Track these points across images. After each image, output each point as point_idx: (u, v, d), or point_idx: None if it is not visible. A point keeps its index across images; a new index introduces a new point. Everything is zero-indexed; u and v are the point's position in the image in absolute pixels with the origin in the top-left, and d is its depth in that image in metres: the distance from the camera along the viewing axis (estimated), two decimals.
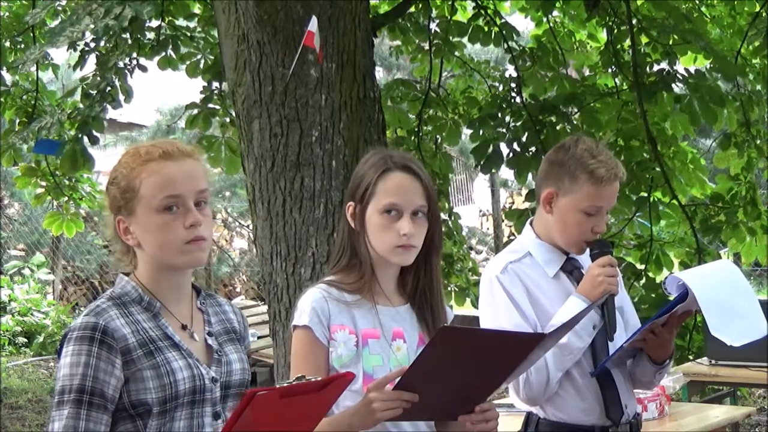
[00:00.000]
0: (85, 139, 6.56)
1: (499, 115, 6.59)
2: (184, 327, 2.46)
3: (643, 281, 6.51)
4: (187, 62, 7.05)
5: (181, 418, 2.38)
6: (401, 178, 2.75)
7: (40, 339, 12.22)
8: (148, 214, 2.39)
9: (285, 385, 2.23)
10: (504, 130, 6.50)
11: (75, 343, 2.33)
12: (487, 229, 16.38)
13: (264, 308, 8.85)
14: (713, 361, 5.80)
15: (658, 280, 6.44)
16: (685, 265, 6.57)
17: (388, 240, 2.73)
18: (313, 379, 2.28)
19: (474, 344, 2.57)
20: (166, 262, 2.42)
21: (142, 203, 2.39)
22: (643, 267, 6.57)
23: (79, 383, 2.31)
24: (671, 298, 3.22)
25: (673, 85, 6.35)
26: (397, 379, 2.56)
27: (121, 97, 6.55)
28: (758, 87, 7.07)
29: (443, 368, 2.54)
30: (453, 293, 7.07)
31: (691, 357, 6.34)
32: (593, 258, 3.24)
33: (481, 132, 6.51)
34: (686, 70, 6.58)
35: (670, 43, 6.36)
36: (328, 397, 2.35)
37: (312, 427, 2.39)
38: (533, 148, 6.38)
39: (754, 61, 6.99)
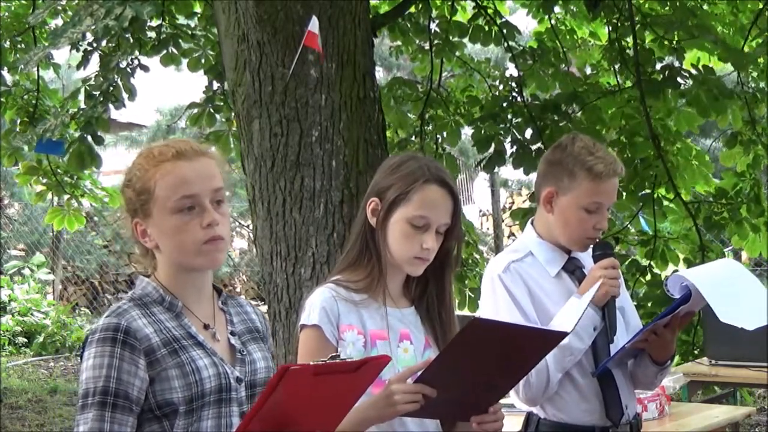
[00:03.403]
0: (90, 139, 6.58)
1: (501, 114, 6.59)
2: (206, 327, 2.43)
3: (648, 277, 6.52)
4: (189, 58, 7.07)
5: (209, 417, 2.35)
6: (438, 192, 2.74)
7: (40, 339, 12.22)
8: (164, 216, 2.36)
9: (319, 362, 2.17)
10: (507, 126, 6.50)
11: (97, 344, 2.30)
12: (487, 229, 16.37)
13: (264, 308, 8.85)
14: (713, 361, 5.80)
15: (663, 276, 6.44)
16: (689, 262, 6.58)
17: (409, 250, 2.73)
18: (348, 359, 2.24)
19: (501, 339, 2.56)
20: (184, 263, 2.38)
21: (157, 205, 2.36)
22: (648, 263, 6.57)
23: (103, 385, 2.27)
24: (674, 298, 3.22)
25: (679, 80, 6.35)
26: (418, 373, 2.55)
27: (125, 96, 6.56)
28: (762, 84, 7.07)
29: (466, 363, 2.53)
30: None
31: (696, 352, 6.35)
32: (595, 260, 3.24)
33: (483, 131, 6.52)
34: (693, 65, 6.58)
35: (677, 39, 6.36)
36: (362, 379, 2.29)
37: (345, 411, 2.34)
38: (536, 146, 6.39)
39: (759, 59, 6.98)
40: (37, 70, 7.35)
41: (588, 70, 7.59)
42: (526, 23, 9.07)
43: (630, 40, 6.51)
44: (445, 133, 7.23)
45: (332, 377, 2.19)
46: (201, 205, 2.36)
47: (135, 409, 2.29)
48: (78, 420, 2.30)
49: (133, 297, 2.40)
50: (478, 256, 7.40)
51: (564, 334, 2.73)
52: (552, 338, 2.72)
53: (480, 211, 17.26)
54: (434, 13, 7.28)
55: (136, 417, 2.30)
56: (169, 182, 2.35)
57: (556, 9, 7.34)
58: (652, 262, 6.62)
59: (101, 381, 2.28)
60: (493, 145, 6.47)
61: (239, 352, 2.45)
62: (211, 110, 7.08)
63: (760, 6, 6.78)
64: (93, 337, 2.32)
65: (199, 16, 7.24)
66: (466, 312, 7.10)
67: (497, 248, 13.23)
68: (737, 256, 10.90)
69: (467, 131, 7.34)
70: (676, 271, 6.26)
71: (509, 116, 6.56)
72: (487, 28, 7.07)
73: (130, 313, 2.34)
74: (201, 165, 2.39)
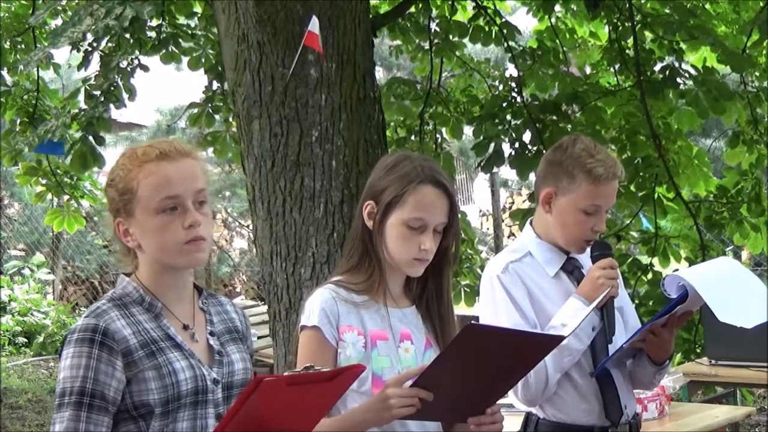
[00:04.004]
0: (91, 139, 6.58)
1: (500, 115, 6.58)
2: (185, 327, 2.45)
3: (649, 276, 6.52)
4: (189, 57, 7.08)
5: (184, 419, 2.38)
6: (432, 194, 2.74)
7: (40, 339, 12.22)
8: (146, 216, 2.38)
9: (293, 373, 2.22)
10: (506, 127, 6.50)
11: (75, 345, 2.33)
12: (487, 229, 16.36)
13: (264, 308, 8.85)
14: (713, 361, 5.80)
15: (664, 274, 6.44)
16: (690, 261, 6.58)
17: (408, 251, 2.73)
18: (323, 369, 2.27)
19: (496, 343, 2.56)
20: (166, 263, 2.41)
21: (140, 205, 2.39)
22: (649, 261, 6.57)
23: (80, 385, 2.31)
24: (671, 298, 3.22)
25: (679, 80, 6.35)
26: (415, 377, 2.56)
27: (125, 96, 6.57)
28: (765, 83, 7.07)
29: (463, 367, 2.54)
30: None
31: (698, 350, 6.35)
32: (594, 260, 3.24)
33: (483, 129, 6.52)
34: (693, 66, 6.58)
35: (677, 39, 6.35)
36: (337, 388, 2.34)
37: (319, 418, 2.38)
38: (535, 148, 6.39)
39: (760, 59, 6.99)
40: (37, 71, 7.35)
41: (588, 70, 7.59)
42: (526, 23, 9.07)
43: (630, 40, 6.51)
44: (444, 130, 7.23)
45: (307, 387, 2.23)
46: (183, 206, 2.38)
47: (111, 410, 2.32)
48: (54, 419, 2.33)
49: (113, 297, 2.43)
50: (471, 252, 7.40)
51: (560, 339, 2.72)
52: (549, 342, 2.72)
53: (480, 211, 17.25)
54: (434, 13, 7.27)
55: (111, 417, 2.33)
56: (152, 183, 2.38)
57: (557, 8, 7.33)
58: (653, 261, 6.62)
59: (78, 381, 2.31)
60: (492, 146, 6.46)
61: (217, 353, 2.47)
62: (210, 111, 7.10)
63: (761, 4, 6.77)
64: (71, 337, 2.35)
65: (199, 16, 7.24)
66: (462, 307, 7.11)
67: (497, 248, 13.22)
68: (737, 255, 10.91)
69: (468, 130, 7.32)
70: (676, 270, 6.26)
71: (508, 117, 6.55)
72: (487, 28, 7.07)
73: (109, 314, 2.37)
74: (184, 166, 2.41)
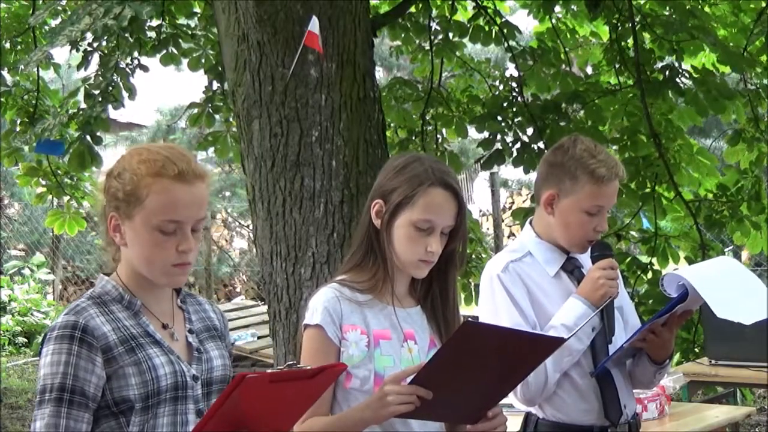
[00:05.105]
0: (88, 138, 6.58)
1: (501, 114, 6.59)
2: (164, 326, 2.47)
3: (649, 275, 6.53)
4: (189, 57, 7.09)
5: (165, 414, 2.39)
6: (442, 196, 2.74)
7: (40, 339, 12.21)
8: (144, 227, 2.39)
9: (276, 370, 2.24)
10: (509, 123, 6.50)
11: (55, 342, 2.34)
12: (487, 229, 16.36)
13: (264, 308, 8.85)
14: (713, 361, 5.80)
15: (665, 272, 6.43)
16: (690, 261, 6.58)
17: (414, 253, 2.73)
18: (305, 367, 2.29)
19: (494, 342, 2.56)
20: (147, 275, 2.43)
21: (142, 214, 2.39)
22: (648, 260, 6.57)
23: (60, 382, 2.32)
24: (670, 297, 3.22)
25: (678, 81, 6.35)
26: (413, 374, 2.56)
27: (125, 95, 6.57)
28: (765, 81, 7.06)
29: (461, 366, 2.53)
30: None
31: (696, 350, 6.34)
32: (594, 260, 3.24)
33: (486, 125, 6.53)
34: (693, 67, 6.58)
35: (675, 39, 6.35)
36: (318, 385, 2.37)
37: (300, 415, 2.41)
38: (537, 146, 6.39)
39: (761, 57, 6.98)
40: (37, 70, 7.35)
41: (589, 70, 7.58)
42: (526, 23, 9.07)
43: (630, 40, 6.51)
44: (445, 131, 7.23)
45: (289, 384, 2.26)
46: (182, 231, 2.40)
47: (91, 406, 2.34)
48: (35, 415, 2.35)
49: (93, 295, 2.44)
50: (480, 250, 7.39)
51: (560, 341, 2.71)
52: (547, 344, 2.71)
53: (480, 211, 17.26)
54: (434, 13, 7.27)
55: (92, 413, 2.34)
56: (162, 200, 2.38)
57: (557, 8, 7.33)
58: (653, 260, 6.62)
59: (58, 378, 2.33)
60: (498, 144, 6.47)
61: (197, 350, 2.49)
62: (210, 111, 7.10)
63: (763, 5, 6.77)
64: (51, 334, 2.36)
65: (199, 16, 7.25)
66: (471, 308, 7.10)
67: (497, 248, 13.21)
68: (737, 255, 10.90)
69: (470, 130, 7.32)
70: (676, 269, 6.26)
71: (510, 115, 6.56)
72: (487, 28, 7.07)
73: (89, 311, 2.38)
74: (197, 191, 2.41)
